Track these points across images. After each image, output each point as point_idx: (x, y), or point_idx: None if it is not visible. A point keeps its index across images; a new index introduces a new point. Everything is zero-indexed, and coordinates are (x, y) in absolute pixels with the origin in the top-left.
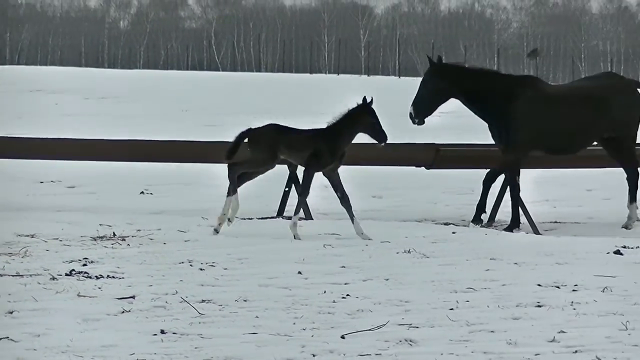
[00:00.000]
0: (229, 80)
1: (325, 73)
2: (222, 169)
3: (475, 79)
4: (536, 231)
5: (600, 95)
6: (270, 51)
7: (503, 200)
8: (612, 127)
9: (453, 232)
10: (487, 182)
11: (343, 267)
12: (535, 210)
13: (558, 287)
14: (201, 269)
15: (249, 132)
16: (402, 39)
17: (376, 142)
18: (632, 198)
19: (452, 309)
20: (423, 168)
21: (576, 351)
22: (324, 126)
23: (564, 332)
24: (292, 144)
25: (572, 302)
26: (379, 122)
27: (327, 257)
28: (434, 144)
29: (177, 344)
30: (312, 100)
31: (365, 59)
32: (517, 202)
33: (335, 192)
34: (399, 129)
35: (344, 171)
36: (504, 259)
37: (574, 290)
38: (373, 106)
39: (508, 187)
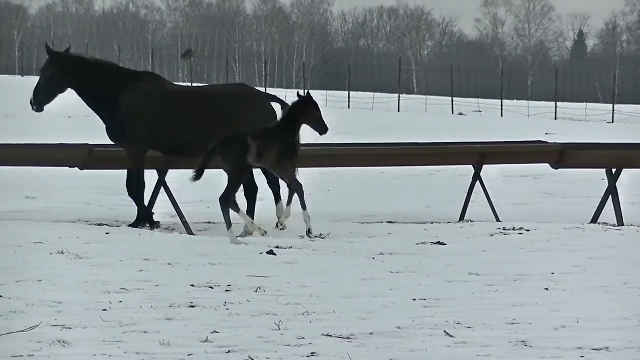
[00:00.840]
0: None
1: None
2: None
3: (90, 70)
4: (190, 231)
5: (224, 100)
6: None
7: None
8: None
9: (107, 233)
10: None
11: None
12: (188, 211)
13: (212, 288)
14: None
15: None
16: (57, 39)
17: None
18: (277, 198)
19: (105, 310)
20: (77, 168)
21: (229, 351)
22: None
23: (217, 332)
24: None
25: (226, 302)
26: (321, 114)
27: None
28: (87, 144)
29: None
30: None
31: (20, 60)
32: (142, 200)
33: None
34: (53, 129)
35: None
36: (158, 259)
37: (227, 291)
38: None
39: (162, 186)
